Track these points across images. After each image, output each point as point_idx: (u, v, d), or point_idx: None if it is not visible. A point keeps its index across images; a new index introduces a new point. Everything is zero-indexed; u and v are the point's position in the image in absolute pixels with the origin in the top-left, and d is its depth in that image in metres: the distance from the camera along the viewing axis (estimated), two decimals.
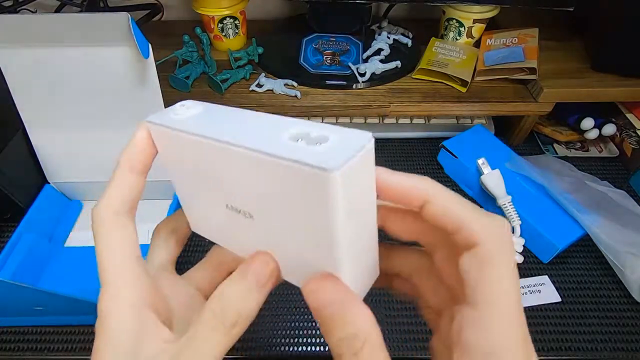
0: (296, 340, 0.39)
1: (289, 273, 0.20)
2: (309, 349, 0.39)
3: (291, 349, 0.39)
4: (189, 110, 0.21)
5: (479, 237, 0.16)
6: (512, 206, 0.45)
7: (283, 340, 0.39)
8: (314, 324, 0.40)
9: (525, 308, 0.41)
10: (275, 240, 0.19)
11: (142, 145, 0.20)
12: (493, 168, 0.48)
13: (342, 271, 0.17)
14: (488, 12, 0.57)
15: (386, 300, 0.42)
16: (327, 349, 0.39)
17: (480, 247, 0.16)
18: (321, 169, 0.14)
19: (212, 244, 0.24)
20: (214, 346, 0.17)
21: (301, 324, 0.40)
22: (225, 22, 0.58)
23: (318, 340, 0.39)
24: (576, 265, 0.45)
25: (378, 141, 0.59)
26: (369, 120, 0.59)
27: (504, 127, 0.60)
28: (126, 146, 0.20)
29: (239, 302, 0.18)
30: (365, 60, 0.58)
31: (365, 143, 0.15)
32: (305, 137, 0.16)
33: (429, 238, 0.19)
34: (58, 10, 0.61)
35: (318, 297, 0.17)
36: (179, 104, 0.22)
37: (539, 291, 0.43)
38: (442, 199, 0.16)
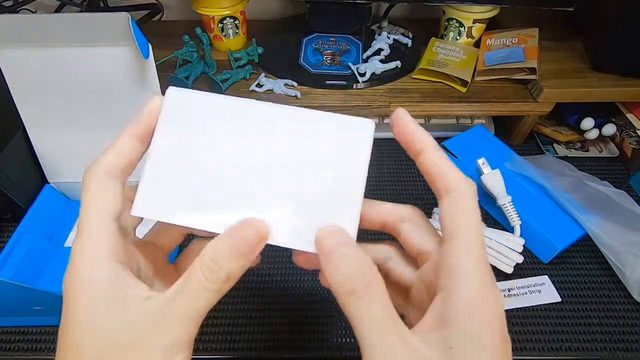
0: (296, 340, 0.39)
1: (288, 233, 0.21)
2: (309, 349, 0.39)
3: (291, 349, 0.39)
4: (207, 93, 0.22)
5: (455, 184, 0.20)
6: (512, 206, 0.45)
7: (283, 340, 0.39)
8: (314, 325, 0.40)
9: (525, 308, 0.41)
10: (290, 193, 0.21)
11: (149, 117, 0.22)
12: (493, 168, 0.48)
13: (352, 221, 0.21)
14: (488, 12, 0.57)
15: None
16: (328, 349, 0.39)
17: (455, 192, 0.20)
18: (363, 118, 0.21)
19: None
20: (204, 302, 0.18)
21: (302, 325, 0.40)
22: (225, 22, 0.58)
23: (319, 340, 0.39)
24: (576, 265, 0.45)
25: (378, 141, 0.59)
26: None
27: (504, 127, 0.60)
28: (135, 116, 0.22)
29: (228, 263, 0.19)
30: (365, 60, 0.58)
31: (371, 122, 0.22)
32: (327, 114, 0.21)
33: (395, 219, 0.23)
34: (58, 10, 0.61)
35: (333, 239, 0.19)
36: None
37: (539, 291, 0.43)
38: (433, 151, 0.21)
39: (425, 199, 0.51)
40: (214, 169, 0.21)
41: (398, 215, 0.23)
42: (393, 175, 0.55)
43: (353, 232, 0.20)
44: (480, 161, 0.48)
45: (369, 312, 0.18)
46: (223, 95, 0.22)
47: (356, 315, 0.18)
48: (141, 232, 0.24)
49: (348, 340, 0.39)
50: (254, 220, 0.20)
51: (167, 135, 0.22)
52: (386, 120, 0.59)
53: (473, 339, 0.17)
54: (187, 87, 0.54)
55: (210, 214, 0.21)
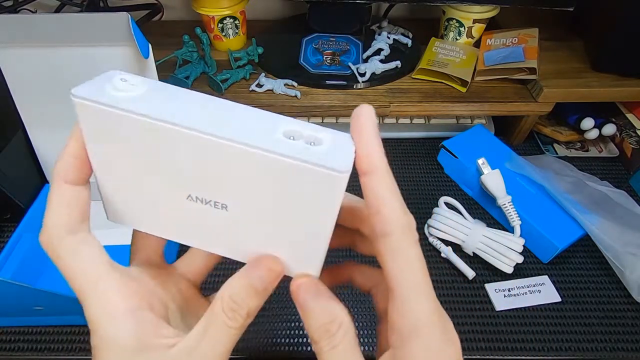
0: (296, 340, 0.39)
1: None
2: (309, 349, 0.39)
3: (291, 349, 0.39)
4: (133, 87, 0.18)
5: (390, 229, 0.17)
6: (512, 206, 0.45)
7: (283, 340, 0.39)
8: None
9: (525, 308, 0.41)
10: (251, 233, 0.19)
11: (72, 156, 0.18)
12: (493, 168, 0.48)
13: (317, 265, 0.20)
14: (488, 12, 0.57)
15: None
16: None
17: (390, 236, 0.17)
18: (332, 169, 0.16)
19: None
20: (228, 340, 0.19)
21: (302, 325, 0.40)
22: (225, 22, 0.58)
23: None
24: (576, 265, 0.45)
25: None
26: None
27: (504, 127, 0.60)
28: (58, 157, 0.18)
29: (247, 301, 0.19)
30: (365, 60, 0.58)
31: (354, 148, 0.17)
32: (299, 136, 0.17)
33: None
34: (58, 10, 0.61)
35: (301, 293, 0.20)
36: (117, 76, 0.18)
37: (539, 291, 0.43)
38: (379, 178, 0.18)
39: (423, 199, 0.51)
40: (166, 193, 0.19)
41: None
42: (394, 175, 0.55)
43: (317, 271, 0.20)
44: (480, 161, 0.48)
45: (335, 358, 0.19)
46: (137, 108, 0.16)
47: None
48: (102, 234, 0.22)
49: None
50: (268, 258, 0.20)
51: (94, 147, 0.18)
52: (386, 120, 0.59)
53: None
54: (187, 87, 0.54)
55: (178, 230, 0.21)
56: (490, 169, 0.48)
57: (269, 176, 0.17)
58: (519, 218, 0.45)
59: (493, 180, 0.47)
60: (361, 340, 0.39)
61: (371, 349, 0.39)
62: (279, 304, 0.41)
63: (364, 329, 0.40)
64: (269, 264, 0.20)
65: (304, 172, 0.16)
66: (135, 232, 0.23)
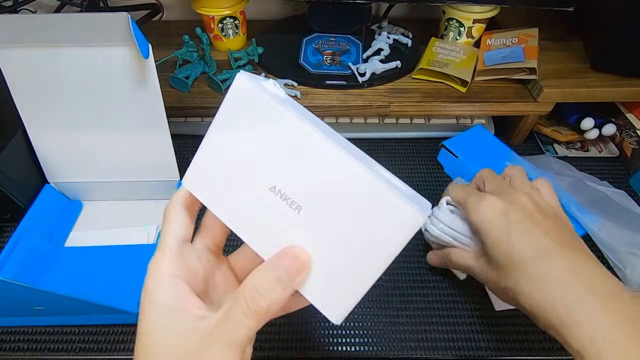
0: (296, 340, 0.39)
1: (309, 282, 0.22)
2: (309, 348, 0.39)
3: (292, 349, 0.39)
4: (279, 90, 0.22)
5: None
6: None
7: (283, 342, 0.39)
8: (313, 324, 0.40)
9: None
10: (308, 242, 0.20)
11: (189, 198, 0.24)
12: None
13: (344, 308, 0.21)
14: (488, 12, 0.57)
15: (386, 301, 0.42)
16: (330, 350, 0.39)
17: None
18: (416, 210, 0.19)
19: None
20: (245, 330, 0.20)
21: (302, 325, 0.40)
22: (225, 22, 0.58)
23: (319, 340, 0.39)
24: None
25: (378, 141, 0.59)
26: (369, 120, 0.59)
27: (504, 127, 0.60)
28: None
29: (269, 291, 0.20)
30: (365, 60, 0.58)
31: (429, 208, 0.20)
32: (393, 182, 0.20)
33: None
34: (58, 10, 0.61)
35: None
36: (271, 81, 0.22)
37: None
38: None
39: (427, 199, 0.51)
40: (253, 179, 0.21)
41: None
42: (394, 175, 0.55)
43: (339, 318, 0.22)
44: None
45: None
46: (284, 109, 0.20)
47: None
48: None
49: (346, 340, 0.39)
50: (296, 248, 0.21)
51: (224, 125, 0.22)
52: (386, 120, 0.59)
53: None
54: (187, 87, 0.54)
55: (242, 221, 0.22)
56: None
57: (358, 197, 0.19)
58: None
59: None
60: (361, 340, 0.39)
61: (371, 348, 0.39)
62: None
63: (364, 329, 0.40)
64: (296, 252, 0.20)
65: (392, 204, 0.19)
66: (206, 218, 0.26)
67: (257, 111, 0.21)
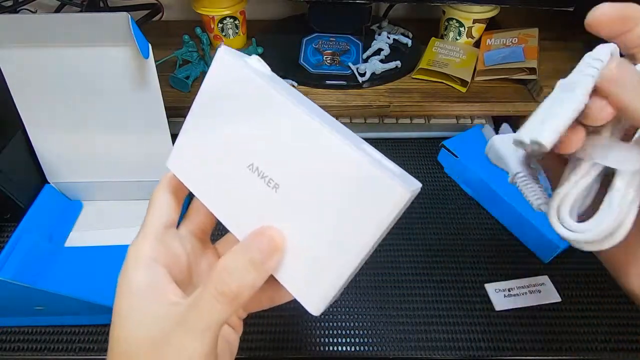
0: (296, 341, 0.39)
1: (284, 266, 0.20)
2: (308, 348, 0.39)
3: (291, 349, 0.39)
4: (263, 67, 0.21)
5: None
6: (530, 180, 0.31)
7: (283, 342, 0.39)
8: (313, 324, 0.40)
9: (525, 308, 0.41)
10: (287, 222, 0.19)
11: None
12: (493, 169, 0.48)
13: (324, 296, 0.19)
14: (488, 12, 0.57)
15: (386, 301, 0.42)
16: (330, 350, 0.39)
17: None
18: (398, 182, 0.16)
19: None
20: (215, 315, 0.19)
21: (301, 325, 0.40)
22: (225, 22, 0.58)
23: (318, 339, 0.39)
24: (576, 265, 0.45)
25: (378, 141, 0.59)
26: (369, 120, 0.59)
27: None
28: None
29: (241, 276, 0.19)
30: (365, 60, 0.58)
31: (418, 187, 0.17)
32: (377, 157, 0.18)
33: None
34: (58, 10, 0.61)
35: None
36: (255, 56, 0.21)
37: (539, 291, 0.43)
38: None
39: (423, 199, 0.51)
40: (232, 157, 0.20)
41: None
42: None
43: (326, 298, 0.19)
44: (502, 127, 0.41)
45: None
46: (264, 83, 0.19)
47: None
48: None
49: (346, 340, 0.39)
50: (270, 229, 0.19)
51: (205, 100, 0.21)
52: (386, 120, 0.59)
53: None
54: (187, 87, 0.54)
55: (220, 202, 0.21)
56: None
57: (336, 172, 0.18)
58: (542, 192, 0.28)
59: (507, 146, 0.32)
60: (361, 340, 0.39)
61: (371, 348, 0.39)
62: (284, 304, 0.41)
63: (364, 329, 0.40)
64: (270, 233, 0.19)
65: (373, 177, 0.17)
66: (193, 203, 0.26)
67: (238, 86, 0.20)
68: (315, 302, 0.19)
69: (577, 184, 0.21)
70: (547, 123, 0.17)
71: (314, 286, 0.19)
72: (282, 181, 0.19)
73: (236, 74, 0.20)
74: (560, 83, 0.19)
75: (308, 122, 0.18)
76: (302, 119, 0.18)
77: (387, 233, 0.18)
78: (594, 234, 0.20)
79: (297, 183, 0.19)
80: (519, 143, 0.18)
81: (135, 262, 0.21)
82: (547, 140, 0.17)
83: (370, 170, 0.17)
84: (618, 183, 0.19)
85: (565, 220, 0.21)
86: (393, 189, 0.16)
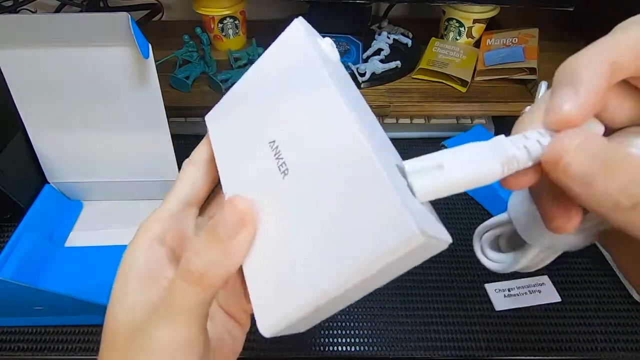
0: (296, 340, 0.39)
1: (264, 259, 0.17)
2: (308, 348, 0.39)
3: (291, 349, 0.39)
4: (333, 52, 0.20)
5: None
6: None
7: (283, 342, 0.39)
8: (317, 324, 0.40)
9: (525, 308, 0.41)
10: (281, 215, 0.17)
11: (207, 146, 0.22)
12: None
13: (304, 307, 0.15)
14: (488, 12, 0.57)
15: (386, 301, 0.42)
16: (330, 350, 0.39)
17: None
18: (415, 223, 0.13)
19: None
20: (187, 299, 0.17)
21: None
22: (225, 22, 0.58)
23: (318, 339, 0.39)
24: (576, 265, 0.45)
25: None
26: None
27: (504, 127, 0.60)
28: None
29: (206, 255, 0.17)
30: (365, 60, 0.58)
31: (442, 239, 0.15)
32: (404, 191, 0.15)
33: None
34: (58, 10, 0.61)
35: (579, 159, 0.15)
36: (328, 39, 0.21)
37: (539, 291, 0.43)
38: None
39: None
40: (261, 134, 0.19)
41: None
42: None
43: (284, 322, 0.16)
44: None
45: None
46: (331, 73, 0.18)
47: None
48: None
49: (346, 340, 0.39)
50: (238, 199, 0.17)
51: (263, 65, 0.21)
52: (386, 120, 0.59)
53: None
54: (187, 87, 0.54)
55: (234, 172, 0.20)
56: None
57: (357, 187, 0.15)
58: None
59: None
60: (361, 340, 0.39)
61: (371, 348, 0.39)
62: None
63: (364, 329, 0.40)
64: (235, 203, 0.17)
65: (390, 207, 0.14)
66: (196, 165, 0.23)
67: (298, 61, 0.19)
68: (269, 321, 0.16)
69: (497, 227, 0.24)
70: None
71: (278, 300, 0.16)
72: (294, 170, 0.17)
73: (302, 48, 0.19)
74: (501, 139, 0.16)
75: (347, 122, 0.16)
76: (342, 117, 0.16)
77: (388, 281, 0.15)
78: (505, 269, 0.23)
79: (307, 178, 0.17)
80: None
81: (137, 240, 0.20)
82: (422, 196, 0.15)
83: (389, 196, 0.14)
84: (531, 251, 0.22)
85: (486, 251, 0.25)
86: (407, 228, 0.13)
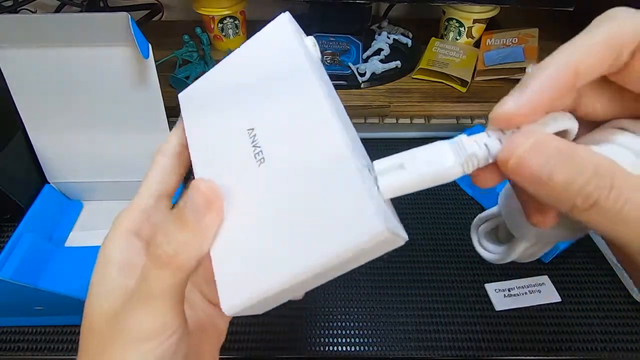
0: (296, 340, 0.39)
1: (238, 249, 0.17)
2: (308, 348, 0.39)
3: (291, 349, 0.39)
4: (315, 51, 0.20)
5: None
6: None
7: (283, 342, 0.39)
8: (312, 324, 0.40)
9: (525, 308, 0.41)
10: (255, 202, 0.17)
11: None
12: None
13: (266, 289, 0.16)
14: (488, 12, 0.57)
15: (386, 301, 0.42)
16: (329, 350, 0.39)
17: None
18: (383, 222, 0.14)
19: None
20: (159, 282, 0.17)
21: (301, 325, 0.40)
22: (225, 22, 0.58)
23: (318, 339, 0.39)
24: (576, 265, 0.45)
25: (378, 141, 0.59)
26: (369, 120, 0.59)
27: None
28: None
29: (175, 238, 0.17)
30: (365, 60, 0.58)
31: (400, 236, 0.15)
32: (369, 184, 0.16)
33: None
34: (58, 10, 0.61)
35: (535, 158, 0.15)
36: (311, 38, 0.21)
37: (539, 291, 0.43)
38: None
39: (423, 198, 0.51)
40: (239, 121, 0.19)
41: None
42: None
43: (244, 301, 0.16)
44: None
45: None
46: (314, 70, 0.18)
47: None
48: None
49: (346, 340, 0.39)
50: (203, 182, 0.17)
51: (246, 52, 0.21)
52: (386, 120, 0.59)
53: None
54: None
55: (208, 155, 0.20)
56: None
57: (328, 179, 0.16)
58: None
59: None
60: (361, 340, 0.39)
61: (371, 348, 0.39)
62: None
63: (364, 329, 0.40)
64: (201, 186, 0.17)
65: (357, 200, 0.15)
66: (164, 159, 0.22)
67: (282, 53, 0.19)
68: (231, 300, 0.16)
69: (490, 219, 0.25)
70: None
71: (241, 281, 0.16)
72: (269, 158, 0.18)
73: (287, 42, 0.19)
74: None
75: (328, 121, 0.17)
76: (323, 115, 0.17)
77: (346, 271, 0.16)
78: (499, 260, 0.24)
79: (283, 168, 0.17)
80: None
81: (112, 234, 0.20)
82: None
83: (357, 193, 0.15)
84: (521, 244, 0.22)
85: (483, 242, 0.25)
86: (369, 222, 0.14)
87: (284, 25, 0.20)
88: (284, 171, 0.17)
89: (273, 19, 0.22)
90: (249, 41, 0.21)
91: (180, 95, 0.23)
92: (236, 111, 0.20)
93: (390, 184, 0.16)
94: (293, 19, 0.21)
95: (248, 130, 0.19)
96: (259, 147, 0.18)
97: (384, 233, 0.14)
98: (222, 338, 0.23)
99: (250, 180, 0.18)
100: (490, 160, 0.15)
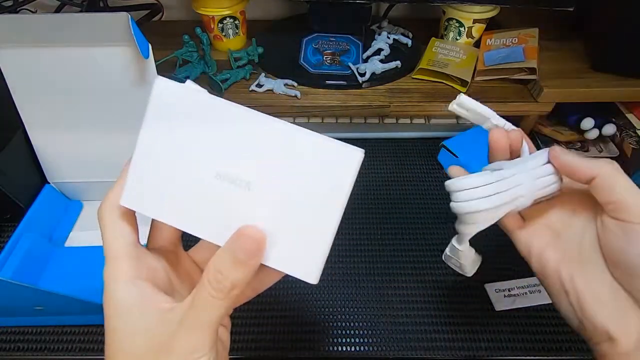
0: (296, 341, 0.39)
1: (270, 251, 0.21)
2: (308, 348, 0.39)
3: (291, 349, 0.39)
4: (200, 89, 0.22)
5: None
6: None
7: (283, 342, 0.39)
8: (313, 324, 0.40)
9: (525, 308, 0.41)
10: (265, 213, 0.21)
11: None
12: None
13: (315, 267, 0.21)
14: (488, 12, 0.57)
15: (386, 301, 0.42)
16: (326, 348, 0.39)
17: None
18: (351, 147, 0.19)
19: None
20: (214, 310, 0.20)
21: (301, 325, 0.40)
22: (225, 22, 0.58)
23: (318, 339, 0.39)
24: None
25: (378, 141, 0.59)
26: (369, 120, 0.59)
27: None
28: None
29: (231, 272, 0.20)
30: (365, 60, 0.58)
31: (363, 151, 0.20)
32: (325, 136, 0.20)
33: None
34: (58, 10, 0.61)
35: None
36: (189, 81, 0.23)
37: (539, 291, 0.43)
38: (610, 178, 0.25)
39: (424, 198, 0.51)
40: (196, 173, 0.21)
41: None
42: (394, 175, 0.55)
43: (315, 277, 0.21)
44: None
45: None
46: (210, 96, 0.21)
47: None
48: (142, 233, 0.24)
49: (347, 340, 0.39)
50: (249, 228, 0.21)
51: (153, 127, 0.22)
52: (386, 120, 0.59)
53: None
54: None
55: (193, 217, 0.22)
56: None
57: (296, 155, 0.20)
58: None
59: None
60: (361, 340, 0.39)
61: (371, 348, 0.39)
62: (279, 304, 0.41)
63: (364, 329, 0.40)
64: (250, 233, 0.21)
65: (328, 149, 0.19)
66: (153, 226, 0.26)
67: (186, 105, 0.21)
68: (312, 272, 0.21)
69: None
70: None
71: (306, 259, 0.21)
72: (252, 177, 0.20)
73: (181, 95, 0.21)
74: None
75: (264, 119, 0.20)
76: (257, 119, 0.20)
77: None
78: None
79: (266, 175, 0.20)
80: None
81: (115, 284, 0.21)
82: None
83: (326, 145, 0.20)
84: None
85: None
86: (349, 154, 0.19)
87: (166, 86, 0.22)
88: (270, 176, 0.20)
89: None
90: (148, 115, 0.22)
91: (124, 203, 0.23)
92: (191, 173, 0.21)
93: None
94: (165, 78, 0.22)
95: (215, 177, 0.21)
96: (237, 178, 0.21)
97: (360, 153, 0.19)
98: (227, 347, 0.26)
99: (252, 201, 0.21)
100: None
